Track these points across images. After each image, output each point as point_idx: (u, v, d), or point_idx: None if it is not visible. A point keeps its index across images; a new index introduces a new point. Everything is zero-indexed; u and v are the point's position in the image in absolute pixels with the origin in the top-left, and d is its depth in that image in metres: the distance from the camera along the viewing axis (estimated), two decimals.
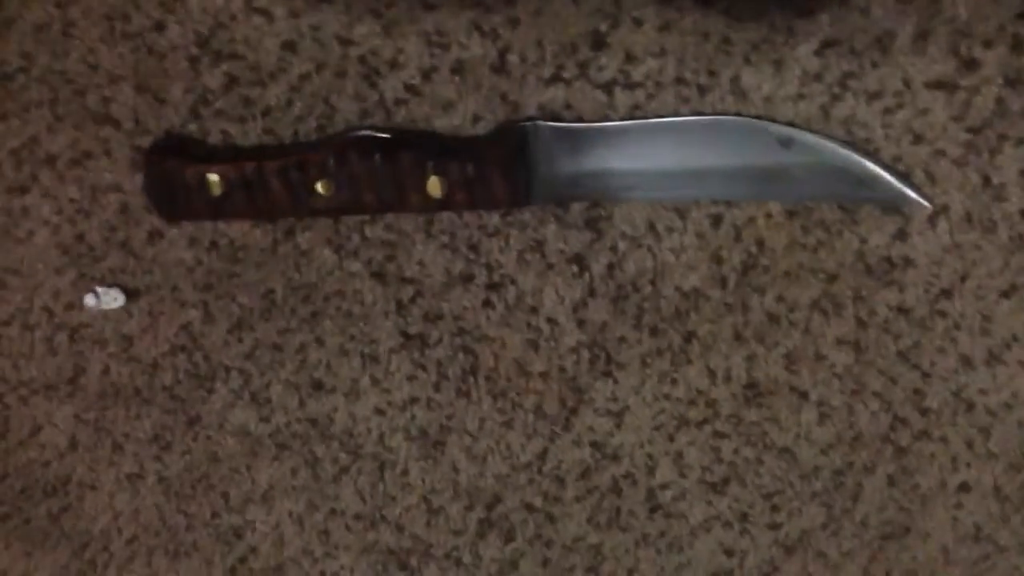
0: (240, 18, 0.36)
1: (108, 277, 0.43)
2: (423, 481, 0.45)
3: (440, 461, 0.45)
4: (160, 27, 0.37)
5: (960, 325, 0.37)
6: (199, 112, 0.39)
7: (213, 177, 0.38)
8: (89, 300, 0.43)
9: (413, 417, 0.44)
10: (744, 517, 0.43)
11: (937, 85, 0.33)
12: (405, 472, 0.45)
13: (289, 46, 0.37)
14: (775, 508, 0.42)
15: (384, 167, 0.37)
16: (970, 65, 0.33)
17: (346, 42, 0.37)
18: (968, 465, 0.40)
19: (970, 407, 0.39)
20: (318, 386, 0.44)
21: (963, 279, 0.36)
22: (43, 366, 0.45)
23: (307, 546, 0.47)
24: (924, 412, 0.39)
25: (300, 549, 0.47)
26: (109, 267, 0.43)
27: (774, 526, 0.43)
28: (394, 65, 0.37)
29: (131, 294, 0.43)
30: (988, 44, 0.32)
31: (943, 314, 0.37)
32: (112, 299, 0.43)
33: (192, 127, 0.39)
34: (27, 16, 0.38)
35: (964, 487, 0.40)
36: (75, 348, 0.45)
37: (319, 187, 0.37)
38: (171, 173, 0.38)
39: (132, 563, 0.49)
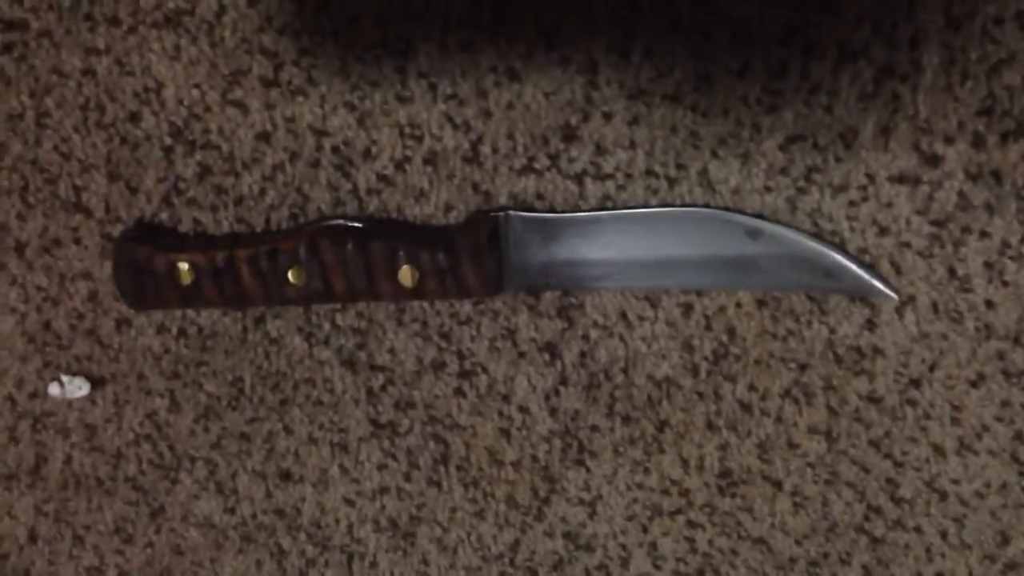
0: (215, 110, 0.37)
1: (74, 365, 0.42)
2: (392, 573, 0.44)
3: (410, 552, 0.44)
4: (135, 118, 0.37)
5: (930, 414, 0.37)
6: (171, 201, 0.39)
7: (183, 265, 0.37)
8: (53, 389, 0.43)
9: (383, 507, 0.43)
10: None
11: (900, 179, 0.34)
12: (374, 564, 0.44)
13: (263, 137, 0.37)
14: None
15: (356, 256, 0.37)
16: (932, 160, 0.33)
17: (320, 133, 0.37)
18: (943, 556, 0.40)
19: (943, 497, 0.39)
20: (286, 476, 0.43)
21: (932, 368, 0.37)
22: (4, 455, 0.44)
23: None
24: (898, 502, 0.39)
25: None
26: (75, 355, 0.42)
27: None
28: (367, 155, 0.37)
29: (97, 382, 0.43)
30: (949, 140, 0.33)
31: (913, 403, 0.37)
32: (77, 387, 0.42)
33: (164, 216, 0.39)
34: (0, 105, 0.38)
35: None
36: (37, 437, 0.44)
37: (290, 275, 0.37)
38: (141, 261, 0.38)
39: None
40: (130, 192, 0.39)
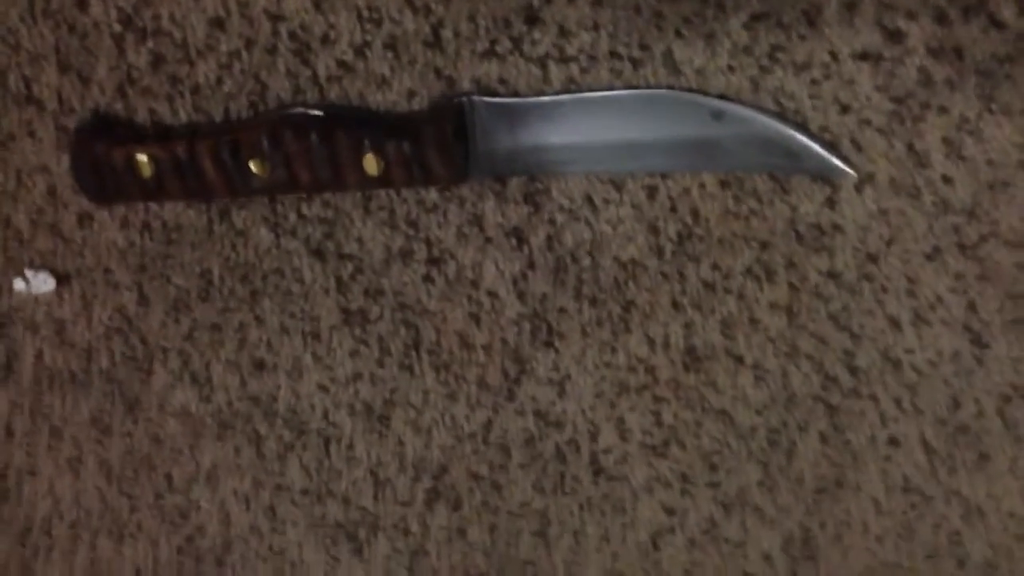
0: None
1: (37, 261, 0.42)
2: (369, 455, 0.46)
3: (385, 435, 0.45)
4: (83, 5, 0.36)
5: (887, 288, 0.38)
6: (125, 91, 0.38)
7: (142, 158, 0.37)
8: (18, 284, 0.42)
9: (357, 392, 0.44)
10: (684, 478, 0.44)
11: (863, 56, 0.34)
12: (351, 447, 0.46)
13: (217, 23, 0.36)
14: (713, 468, 0.44)
15: (319, 145, 0.36)
16: (895, 37, 0.33)
17: (276, 18, 0.36)
18: (896, 421, 0.41)
19: (897, 366, 0.40)
20: (260, 365, 0.44)
21: (889, 244, 0.37)
22: None
23: (254, 523, 0.47)
24: (854, 372, 0.41)
25: (247, 527, 0.47)
26: (38, 250, 0.42)
27: (713, 485, 0.44)
28: (326, 41, 0.36)
29: (62, 278, 0.42)
30: (912, 16, 0.33)
31: (871, 278, 0.38)
32: (42, 282, 0.42)
33: (119, 107, 0.38)
34: None
35: (893, 442, 0.42)
36: (6, 333, 0.44)
37: (253, 166, 0.37)
38: (99, 155, 0.37)
39: (76, 548, 0.49)
40: (82, 83, 0.38)
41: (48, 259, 0.42)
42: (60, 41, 0.37)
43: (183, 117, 0.38)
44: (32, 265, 0.42)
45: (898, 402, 0.41)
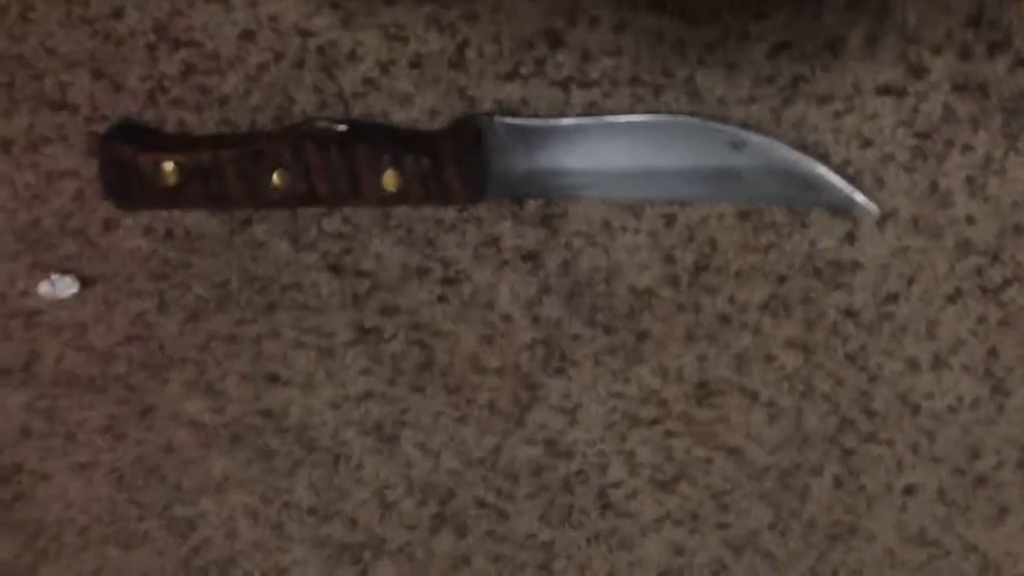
0: (198, 5, 0.36)
1: (63, 264, 0.43)
2: (377, 475, 0.45)
3: (394, 455, 0.45)
4: (118, 13, 0.37)
5: (907, 329, 0.38)
6: (156, 99, 0.38)
7: (168, 165, 0.37)
8: (43, 287, 0.43)
9: (367, 411, 0.44)
10: (694, 516, 0.43)
11: (886, 90, 0.34)
12: (359, 466, 0.45)
13: (247, 35, 0.37)
14: (724, 508, 0.43)
15: (340, 159, 0.37)
16: (919, 71, 0.33)
17: (305, 32, 0.37)
18: (913, 468, 0.40)
19: (916, 410, 0.39)
20: (273, 378, 0.44)
21: (910, 283, 0.37)
22: None
23: (260, 539, 0.47)
24: (871, 415, 0.40)
25: (253, 542, 0.47)
26: (64, 254, 0.42)
27: (723, 526, 0.43)
28: (352, 57, 0.37)
29: (86, 282, 0.43)
30: (936, 51, 0.33)
31: (890, 318, 0.38)
32: (66, 286, 0.43)
33: (149, 115, 0.39)
34: None
35: (909, 490, 0.41)
36: (29, 335, 0.45)
37: (275, 178, 0.37)
38: (125, 160, 0.38)
39: (84, 553, 0.49)
40: (115, 90, 0.39)
41: (73, 263, 0.43)
42: (95, 48, 0.38)
43: (210, 127, 0.39)
44: (57, 269, 0.43)
45: (915, 448, 0.40)
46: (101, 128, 0.39)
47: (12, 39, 0.38)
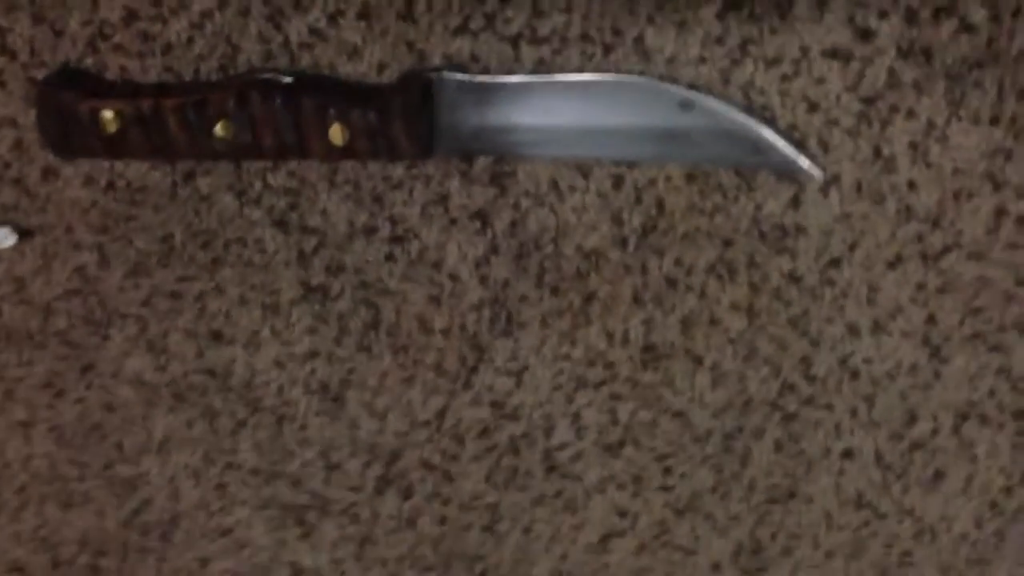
0: None
1: (0, 215, 0.42)
2: (322, 436, 0.45)
3: (339, 416, 0.45)
4: None
5: (848, 294, 0.38)
6: (97, 46, 0.38)
7: (108, 113, 0.37)
8: None
9: (313, 371, 0.44)
10: (637, 479, 0.43)
11: (833, 54, 0.34)
12: (304, 427, 0.45)
13: None
14: (667, 470, 0.43)
15: (285, 111, 0.36)
16: (865, 35, 0.33)
17: None
18: (852, 432, 0.41)
19: (855, 375, 0.40)
20: (217, 336, 0.43)
21: (852, 249, 0.37)
22: None
23: (203, 499, 0.47)
24: (811, 379, 0.40)
25: (196, 502, 0.47)
26: (1, 204, 0.41)
27: (666, 488, 0.43)
28: (299, 6, 0.36)
29: (24, 233, 0.42)
30: (883, 15, 0.33)
31: (832, 283, 0.38)
32: (4, 237, 0.42)
33: (89, 61, 0.38)
34: None
35: (847, 454, 0.42)
36: None
37: (218, 128, 0.37)
38: (64, 107, 0.37)
39: (23, 512, 0.48)
40: (55, 35, 0.38)
41: (10, 213, 0.42)
42: None
43: (153, 75, 0.38)
44: None
45: (854, 413, 0.41)
46: (40, 74, 0.38)
47: None
